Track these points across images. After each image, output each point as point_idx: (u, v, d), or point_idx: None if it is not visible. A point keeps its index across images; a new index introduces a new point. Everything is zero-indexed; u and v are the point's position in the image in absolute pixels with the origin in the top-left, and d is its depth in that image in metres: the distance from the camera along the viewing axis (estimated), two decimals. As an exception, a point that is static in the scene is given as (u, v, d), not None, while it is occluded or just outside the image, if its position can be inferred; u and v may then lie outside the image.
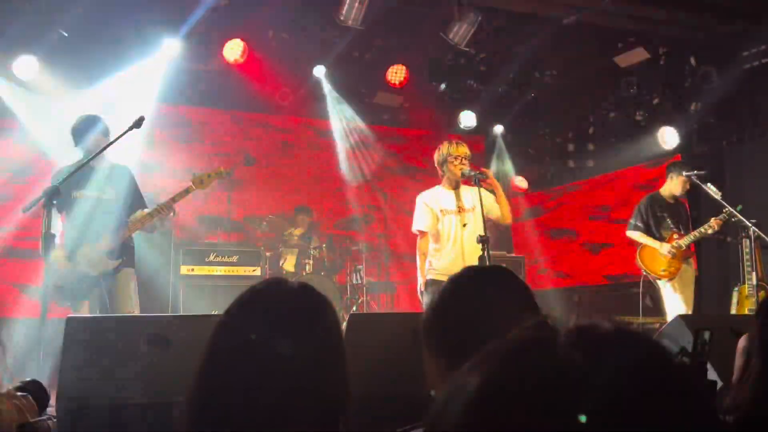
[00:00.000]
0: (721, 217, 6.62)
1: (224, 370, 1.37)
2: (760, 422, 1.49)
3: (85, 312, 5.16)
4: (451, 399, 0.69)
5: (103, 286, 5.25)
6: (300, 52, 8.85)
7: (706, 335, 1.88)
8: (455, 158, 5.61)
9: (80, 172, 5.28)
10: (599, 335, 0.70)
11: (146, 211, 5.40)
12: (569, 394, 0.63)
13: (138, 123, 5.16)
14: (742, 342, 1.63)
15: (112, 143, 5.20)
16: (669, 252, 6.71)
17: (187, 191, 5.40)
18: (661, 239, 6.83)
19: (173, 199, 5.33)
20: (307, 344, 1.38)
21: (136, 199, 5.56)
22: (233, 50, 8.41)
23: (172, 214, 5.41)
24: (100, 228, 5.26)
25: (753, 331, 1.60)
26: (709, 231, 6.69)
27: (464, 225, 5.62)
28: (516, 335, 0.73)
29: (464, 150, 5.65)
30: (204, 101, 9.45)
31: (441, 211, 5.66)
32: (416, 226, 5.78)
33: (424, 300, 5.66)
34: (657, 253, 6.79)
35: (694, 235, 6.75)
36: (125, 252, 5.38)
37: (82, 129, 5.40)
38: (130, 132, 5.05)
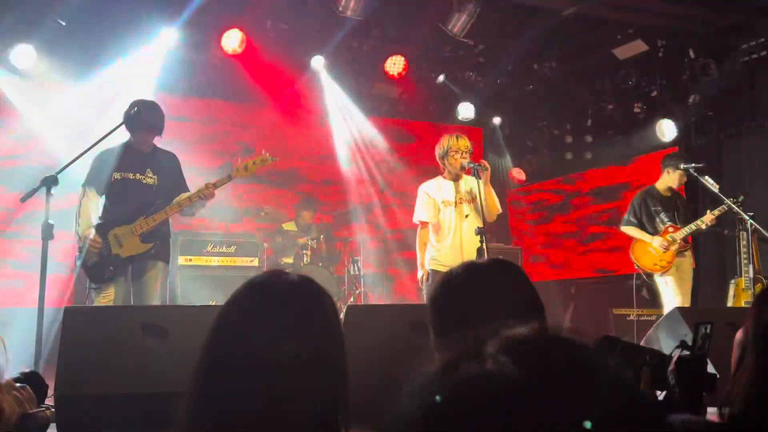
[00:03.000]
0: (715, 212, 6.63)
1: (224, 362, 1.38)
2: (756, 415, 1.50)
3: (109, 297, 5.14)
4: (404, 413, 0.71)
5: (130, 275, 5.24)
6: (298, 43, 8.82)
7: (707, 328, 1.88)
8: (456, 151, 5.63)
9: (123, 155, 5.32)
10: (524, 342, 0.71)
11: (186, 195, 5.32)
12: (501, 401, 0.66)
13: (138, 114, 5.18)
14: (739, 335, 1.63)
15: (112, 132, 5.19)
16: (661, 245, 6.72)
17: (229, 177, 5.31)
18: (655, 233, 6.84)
19: (214, 185, 5.23)
20: (307, 336, 1.39)
21: (178, 184, 5.48)
22: (231, 40, 8.38)
23: (209, 198, 5.30)
24: (136, 210, 5.23)
25: (748, 323, 1.60)
26: (703, 226, 6.68)
27: (466, 216, 5.64)
28: (446, 355, 0.75)
29: (465, 143, 5.67)
30: (202, 91, 9.43)
31: (442, 202, 5.69)
32: (417, 217, 5.81)
33: (425, 291, 5.69)
34: (649, 247, 6.81)
35: (689, 228, 6.75)
36: (158, 237, 5.31)
37: (128, 113, 5.28)
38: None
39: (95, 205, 5.30)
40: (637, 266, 6.91)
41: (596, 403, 0.66)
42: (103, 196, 5.32)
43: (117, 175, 5.28)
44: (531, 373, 0.67)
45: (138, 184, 5.30)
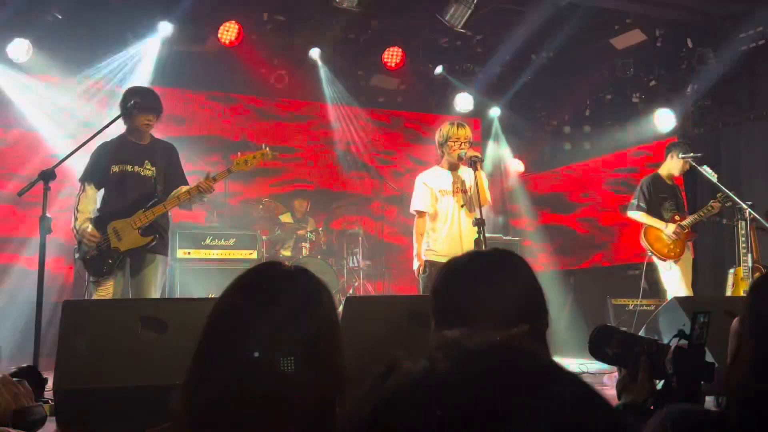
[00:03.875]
0: (719, 198, 6.64)
1: (220, 353, 1.37)
2: (753, 405, 1.50)
3: (108, 291, 5.14)
4: (359, 409, 0.71)
5: (128, 269, 5.24)
6: (295, 35, 8.80)
7: (704, 318, 1.88)
8: (455, 141, 5.61)
9: (120, 147, 5.32)
10: (466, 348, 0.71)
11: (185, 188, 5.32)
12: (438, 403, 0.65)
13: (136, 103, 5.17)
14: (735, 324, 1.63)
15: (110, 124, 5.19)
16: (674, 233, 6.73)
17: (229, 171, 5.31)
18: (662, 220, 6.84)
19: (214, 179, 5.24)
20: (304, 327, 1.38)
21: (176, 176, 5.50)
22: (228, 33, 8.36)
23: (210, 192, 5.32)
24: (135, 203, 5.22)
25: (744, 312, 1.60)
26: (712, 212, 6.71)
27: (462, 206, 5.63)
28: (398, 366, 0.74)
29: (464, 132, 5.64)
30: (199, 84, 9.40)
31: (440, 191, 5.67)
32: (415, 206, 5.79)
33: (422, 282, 5.68)
34: (661, 233, 6.80)
35: (694, 217, 6.77)
36: (157, 230, 5.31)
37: (123, 102, 5.28)
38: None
39: (93, 200, 5.29)
40: (651, 253, 6.87)
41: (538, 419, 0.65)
42: (102, 189, 5.32)
43: (115, 168, 5.27)
44: (468, 381, 0.67)
45: (136, 176, 5.29)
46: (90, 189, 5.29)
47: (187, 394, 1.39)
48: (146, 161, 5.33)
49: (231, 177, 5.74)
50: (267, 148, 5.44)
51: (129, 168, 5.28)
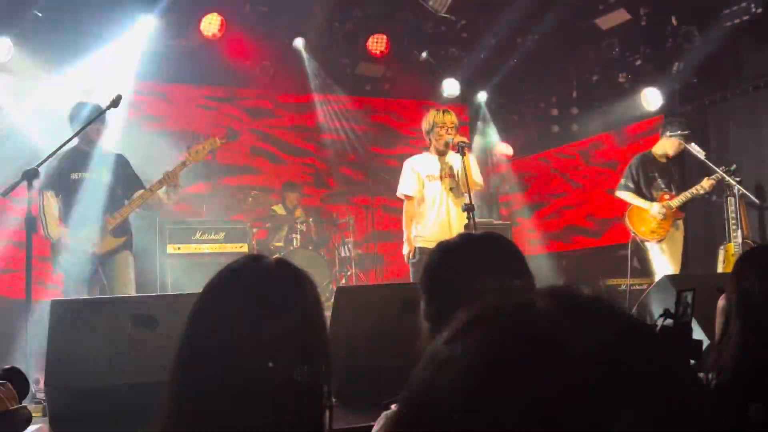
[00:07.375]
0: (713, 177, 6.62)
1: (203, 348, 1.36)
2: (741, 380, 1.49)
3: (94, 294, 5.26)
4: (438, 374, 0.65)
5: (102, 270, 5.39)
6: (279, 25, 8.74)
7: (689, 297, 1.87)
8: (441, 127, 5.61)
9: (76, 156, 5.52)
10: (578, 302, 0.68)
11: (146, 188, 5.57)
12: (550, 363, 0.61)
13: (116, 102, 5.13)
14: (721, 302, 1.63)
15: (91, 122, 5.18)
16: (659, 213, 6.70)
17: (183, 164, 5.54)
18: (651, 200, 6.82)
19: (171, 175, 5.47)
20: (285, 320, 1.37)
21: (133, 181, 5.74)
22: (210, 25, 8.30)
23: (176, 187, 5.54)
24: (102, 209, 5.43)
25: (730, 290, 1.59)
26: (701, 191, 6.68)
27: (450, 189, 5.63)
28: (491, 302, 0.70)
29: (450, 118, 5.64)
30: (183, 77, 9.34)
31: (427, 176, 5.69)
32: (401, 191, 5.81)
33: (412, 268, 5.69)
34: (646, 213, 6.79)
35: (685, 195, 6.74)
36: (127, 231, 5.57)
37: (73, 114, 5.50)
38: (108, 111, 5.14)
39: (56, 206, 5.47)
40: (633, 233, 6.87)
41: (651, 374, 0.62)
42: (60, 196, 5.47)
43: (74, 176, 5.49)
44: (586, 337, 0.63)
45: (98, 184, 5.49)
46: (51, 196, 5.48)
47: (173, 392, 1.37)
48: (103, 168, 5.55)
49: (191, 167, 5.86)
50: (216, 138, 5.79)
51: (87, 175, 5.49)
